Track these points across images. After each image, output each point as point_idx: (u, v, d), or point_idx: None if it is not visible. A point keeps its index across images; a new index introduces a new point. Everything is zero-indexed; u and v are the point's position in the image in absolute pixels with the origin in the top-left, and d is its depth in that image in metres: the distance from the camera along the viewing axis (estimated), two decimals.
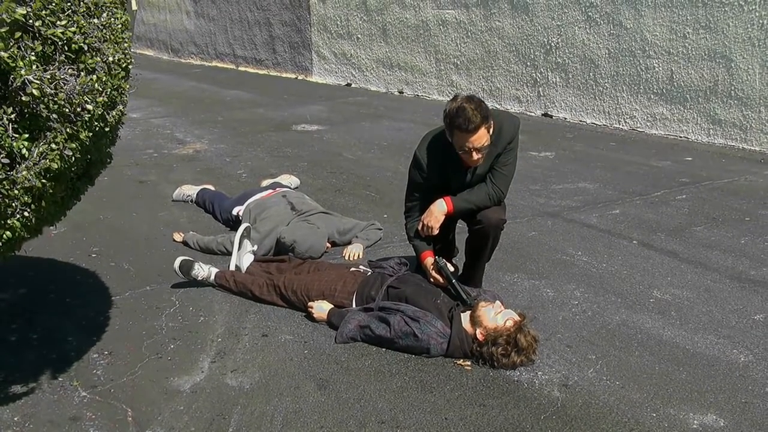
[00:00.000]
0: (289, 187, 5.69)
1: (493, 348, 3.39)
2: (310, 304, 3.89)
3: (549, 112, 9.68)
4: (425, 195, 3.98)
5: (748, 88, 7.60)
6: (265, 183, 5.97)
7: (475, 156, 3.69)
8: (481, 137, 3.62)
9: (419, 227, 3.95)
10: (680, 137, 8.27)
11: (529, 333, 3.45)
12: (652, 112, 8.53)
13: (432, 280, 3.90)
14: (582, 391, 3.23)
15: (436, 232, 3.89)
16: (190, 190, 5.98)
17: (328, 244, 4.86)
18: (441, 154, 3.82)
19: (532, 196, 6.12)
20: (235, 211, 5.22)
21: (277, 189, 5.41)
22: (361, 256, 4.81)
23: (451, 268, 3.91)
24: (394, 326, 3.53)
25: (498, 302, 3.62)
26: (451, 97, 3.72)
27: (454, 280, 3.81)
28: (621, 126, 8.87)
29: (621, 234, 5.20)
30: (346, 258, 4.79)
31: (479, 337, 3.46)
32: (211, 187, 6.00)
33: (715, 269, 4.56)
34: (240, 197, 5.40)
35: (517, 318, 3.49)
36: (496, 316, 3.50)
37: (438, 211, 3.86)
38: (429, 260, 3.94)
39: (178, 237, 5.07)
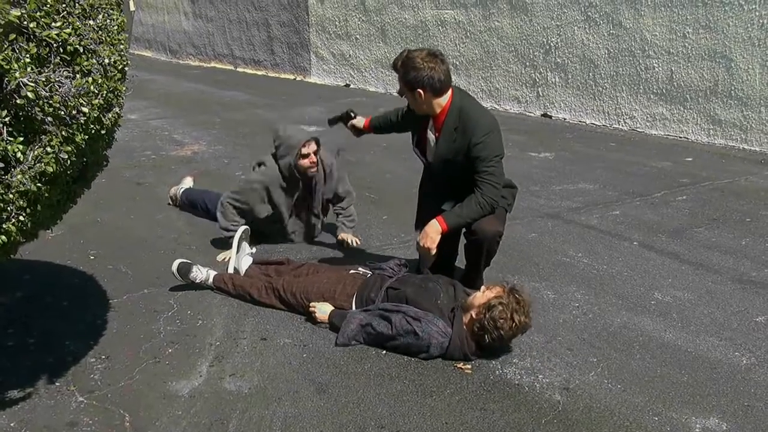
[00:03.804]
0: None
1: (492, 314, 3.39)
2: (312, 304, 3.86)
3: (548, 113, 9.66)
4: (405, 119, 4.32)
5: (749, 88, 7.57)
6: None
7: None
8: (399, 82, 3.93)
9: (416, 247, 3.93)
10: (680, 137, 8.25)
11: (518, 292, 3.47)
12: (651, 112, 8.51)
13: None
14: (583, 394, 3.20)
15: (434, 252, 3.86)
16: (174, 190, 5.94)
17: (312, 155, 4.84)
18: None
19: (531, 197, 6.10)
20: None
21: None
22: (359, 242, 5.02)
23: (358, 124, 4.52)
24: (395, 324, 3.51)
25: (483, 286, 3.64)
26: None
27: (339, 118, 4.56)
28: (621, 126, 8.85)
29: (621, 235, 5.18)
30: (349, 242, 5.00)
31: (475, 315, 3.46)
32: (189, 181, 5.97)
33: (717, 271, 4.53)
34: None
35: (502, 285, 3.54)
36: (484, 293, 3.53)
37: (433, 231, 3.83)
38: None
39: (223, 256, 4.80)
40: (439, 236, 3.83)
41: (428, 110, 3.88)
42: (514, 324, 3.39)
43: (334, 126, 4.71)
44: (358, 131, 4.59)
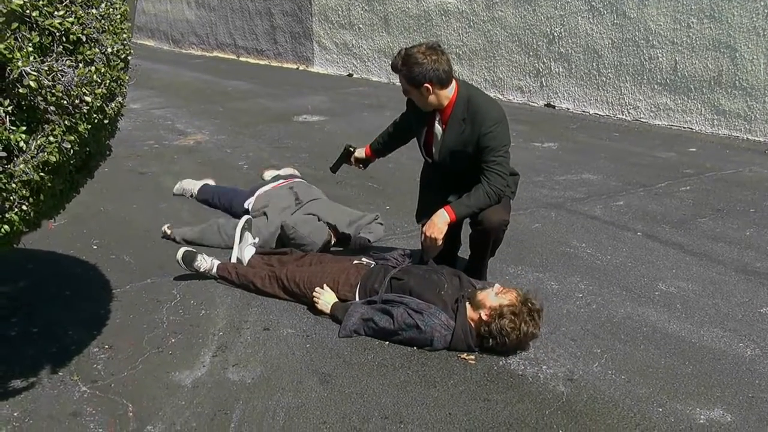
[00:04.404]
0: (301, 179, 5.62)
1: (502, 321, 3.37)
2: (317, 289, 3.84)
3: (552, 103, 9.63)
4: (403, 126, 4.27)
5: (753, 79, 7.54)
6: (268, 174, 5.92)
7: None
8: (401, 82, 3.90)
9: (422, 239, 3.92)
10: (684, 128, 8.22)
11: (532, 302, 3.44)
12: (655, 102, 8.48)
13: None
14: (587, 385, 3.20)
15: (440, 243, 3.85)
16: (190, 185, 5.90)
17: (334, 239, 4.77)
18: None
19: (535, 187, 6.08)
20: (246, 204, 5.17)
21: (288, 180, 5.37)
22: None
23: (360, 154, 4.44)
24: (397, 318, 3.50)
25: (497, 285, 3.61)
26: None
27: (340, 160, 4.50)
28: (624, 116, 8.82)
29: (625, 226, 5.16)
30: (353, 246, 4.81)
31: (484, 317, 3.43)
32: (212, 182, 5.93)
33: (721, 261, 4.52)
34: (251, 189, 5.34)
35: (518, 291, 3.52)
36: (497, 295, 3.49)
37: (441, 221, 3.82)
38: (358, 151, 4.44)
39: (168, 230, 4.92)
40: (447, 226, 3.82)
41: (436, 104, 3.85)
42: (521, 334, 3.38)
43: (338, 170, 4.64)
44: (363, 162, 4.50)
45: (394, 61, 3.85)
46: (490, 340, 3.43)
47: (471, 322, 3.50)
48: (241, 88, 11.48)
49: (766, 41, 7.38)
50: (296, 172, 6.23)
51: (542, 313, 3.49)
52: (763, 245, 4.77)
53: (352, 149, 4.47)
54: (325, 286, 3.86)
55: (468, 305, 3.57)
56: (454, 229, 4.07)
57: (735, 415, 2.97)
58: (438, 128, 3.93)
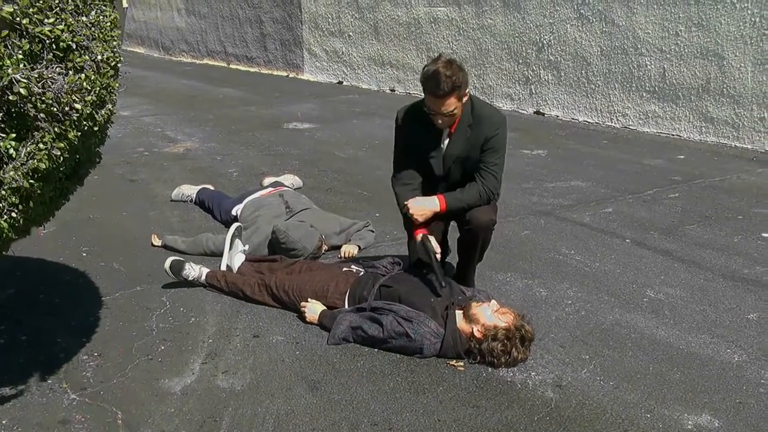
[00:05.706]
0: (290, 188, 5.66)
1: (493, 344, 3.37)
2: (302, 303, 3.85)
3: (541, 110, 9.67)
4: (408, 158, 4.00)
5: (741, 86, 7.60)
6: (267, 181, 5.94)
7: (439, 120, 3.74)
8: (449, 105, 3.66)
9: (404, 210, 3.92)
10: (672, 135, 8.27)
11: (527, 329, 3.44)
12: (644, 110, 8.53)
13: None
14: (576, 391, 3.21)
15: (420, 220, 3.84)
16: (189, 190, 5.91)
17: (325, 246, 4.77)
18: (416, 118, 3.85)
19: (524, 194, 6.11)
20: (234, 211, 5.19)
21: (277, 188, 5.39)
22: (355, 254, 4.77)
23: (437, 249, 3.83)
24: (386, 326, 3.50)
25: (494, 301, 3.61)
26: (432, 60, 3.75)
27: (434, 261, 3.78)
28: (613, 124, 8.87)
29: (614, 233, 5.19)
30: (342, 255, 4.75)
31: (477, 334, 3.43)
32: (211, 187, 5.94)
33: (709, 268, 4.55)
34: (240, 196, 5.37)
35: (515, 314, 3.49)
36: (493, 314, 3.48)
37: (428, 207, 3.83)
38: (417, 237, 3.90)
39: (157, 241, 4.97)
40: (432, 213, 3.83)
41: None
42: (510, 359, 3.38)
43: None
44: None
45: (444, 83, 3.58)
46: (478, 356, 3.43)
47: (461, 331, 3.50)
48: (231, 96, 11.50)
49: (753, 49, 7.43)
50: (296, 178, 6.24)
51: (533, 338, 3.48)
52: (751, 252, 4.80)
53: (427, 241, 3.85)
54: (310, 299, 3.87)
55: (460, 315, 3.57)
56: (442, 236, 4.09)
57: (722, 421, 2.99)
58: (446, 138, 3.91)
